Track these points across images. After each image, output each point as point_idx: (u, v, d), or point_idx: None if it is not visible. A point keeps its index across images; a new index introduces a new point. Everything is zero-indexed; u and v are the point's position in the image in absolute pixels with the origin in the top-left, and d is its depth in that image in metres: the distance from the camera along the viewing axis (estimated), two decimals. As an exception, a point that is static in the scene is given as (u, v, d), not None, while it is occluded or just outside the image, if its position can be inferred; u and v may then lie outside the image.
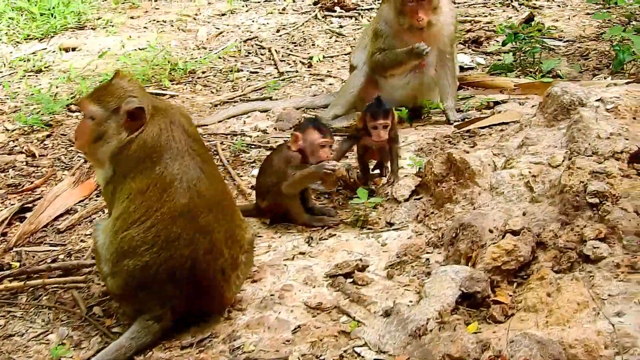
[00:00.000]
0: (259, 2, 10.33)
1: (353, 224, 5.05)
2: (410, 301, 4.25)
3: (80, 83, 7.42)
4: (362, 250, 4.80)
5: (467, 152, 5.54)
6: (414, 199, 5.14)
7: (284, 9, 10.01)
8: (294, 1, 10.29)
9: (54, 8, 9.55)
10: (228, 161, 6.08)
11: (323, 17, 9.57)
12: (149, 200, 4.04)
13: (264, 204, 5.10)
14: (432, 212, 4.97)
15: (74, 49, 8.74)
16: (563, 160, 4.69)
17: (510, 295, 4.14)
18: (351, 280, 4.51)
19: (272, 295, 4.43)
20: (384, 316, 4.11)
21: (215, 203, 4.14)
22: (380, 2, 7.26)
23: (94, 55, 8.51)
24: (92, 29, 9.47)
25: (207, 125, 6.78)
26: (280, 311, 4.30)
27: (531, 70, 7.46)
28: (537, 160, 4.83)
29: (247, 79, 7.85)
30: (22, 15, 9.45)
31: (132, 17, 9.94)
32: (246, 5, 10.21)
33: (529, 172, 4.74)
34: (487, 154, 5.23)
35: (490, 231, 4.47)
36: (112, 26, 9.51)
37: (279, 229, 5.11)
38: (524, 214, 4.50)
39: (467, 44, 8.40)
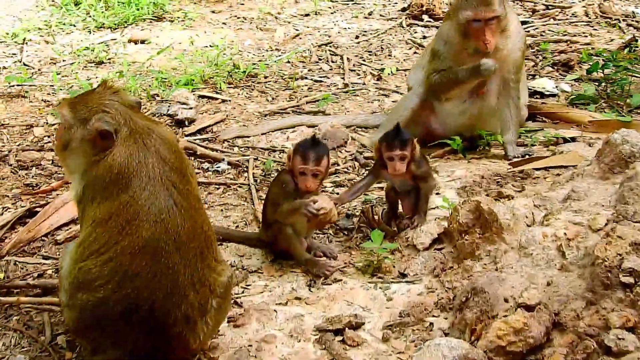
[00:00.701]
0: (346, 4, 9.80)
1: (364, 269, 4.50)
2: (398, 374, 3.70)
3: (130, 79, 7.11)
4: (364, 302, 4.26)
5: (512, 198, 4.88)
6: (435, 249, 4.53)
7: (370, 14, 9.44)
8: (384, 6, 9.71)
9: (133, -3, 9.31)
10: (255, 180, 5.61)
11: (408, 26, 8.94)
12: (110, 230, 3.62)
13: (266, 236, 4.62)
14: (451, 267, 4.35)
15: (143, 42, 8.44)
16: (606, 224, 3.98)
17: (512, 384, 3.51)
18: (341, 338, 3.98)
19: (250, 345, 3.97)
20: (361, 389, 3.57)
21: (185, 240, 3.67)
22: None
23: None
24: (170, 21, 9.18)
25: (248, 136, 6.33)
26: (254, 366, 3.83)
27: (620, 103, 6.63)
28: (577, 220, 4.14)
29: (309, 88, 7.33)
30: (100, 2, 9.23)
31: (213, 12, 9.60)
32: (332, 7, 9.69)
33: (565, 233, 4.06)
34: (528, 203, 4.57)
35: (506, 300, 3.84)
36: (190, 20, 9.19)
37: (283, 266, 4.61)
38: (548, 284, 3.83)
39: (556, 67, 7.59)
